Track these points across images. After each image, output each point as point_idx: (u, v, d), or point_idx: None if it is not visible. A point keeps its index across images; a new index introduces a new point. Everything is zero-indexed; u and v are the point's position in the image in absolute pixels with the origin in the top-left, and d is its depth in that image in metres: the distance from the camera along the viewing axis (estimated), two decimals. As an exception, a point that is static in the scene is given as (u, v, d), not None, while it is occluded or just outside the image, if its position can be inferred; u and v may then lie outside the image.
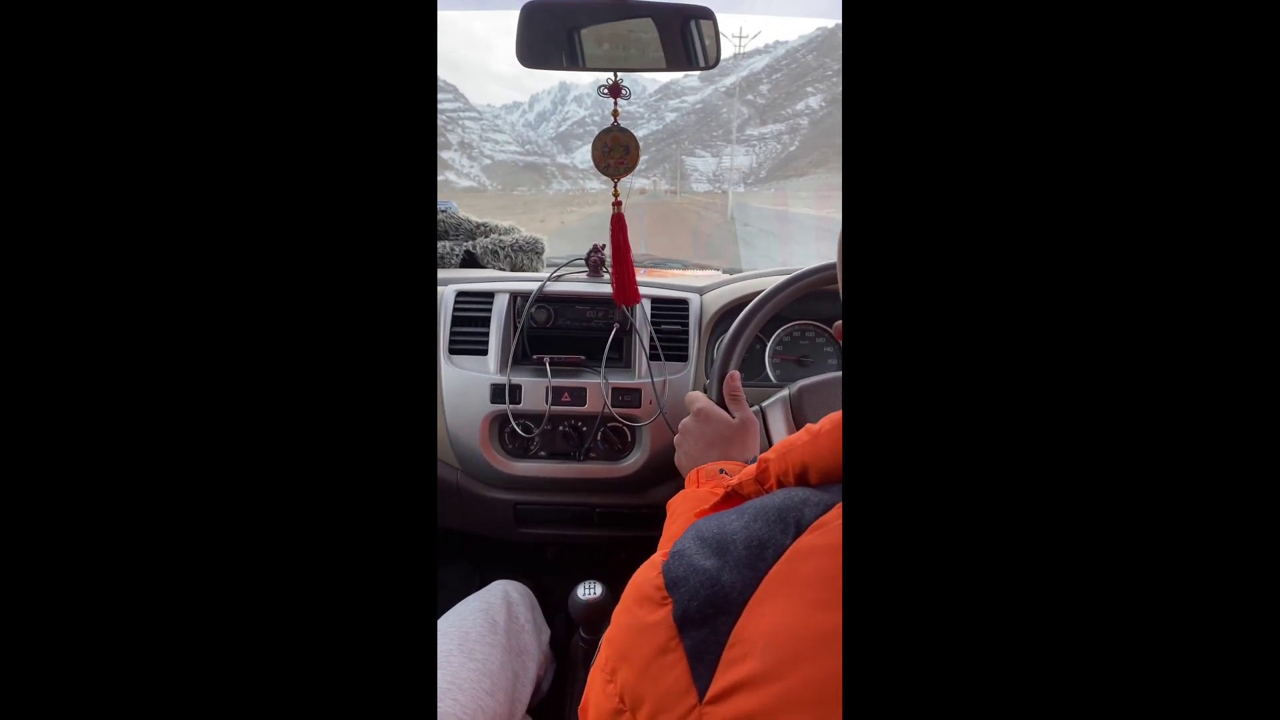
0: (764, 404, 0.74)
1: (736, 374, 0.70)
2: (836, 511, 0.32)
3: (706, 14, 0.67)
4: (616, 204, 0.71)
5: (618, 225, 0.71)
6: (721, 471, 0.55)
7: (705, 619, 0.32)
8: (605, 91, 0.68)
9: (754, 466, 0.41)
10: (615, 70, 0.67)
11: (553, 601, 0.95)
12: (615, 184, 0.70)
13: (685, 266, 1.31)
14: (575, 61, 0.67)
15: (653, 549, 0.60)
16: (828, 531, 0.31)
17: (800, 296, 0.75)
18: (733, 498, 0.43)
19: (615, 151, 0.70)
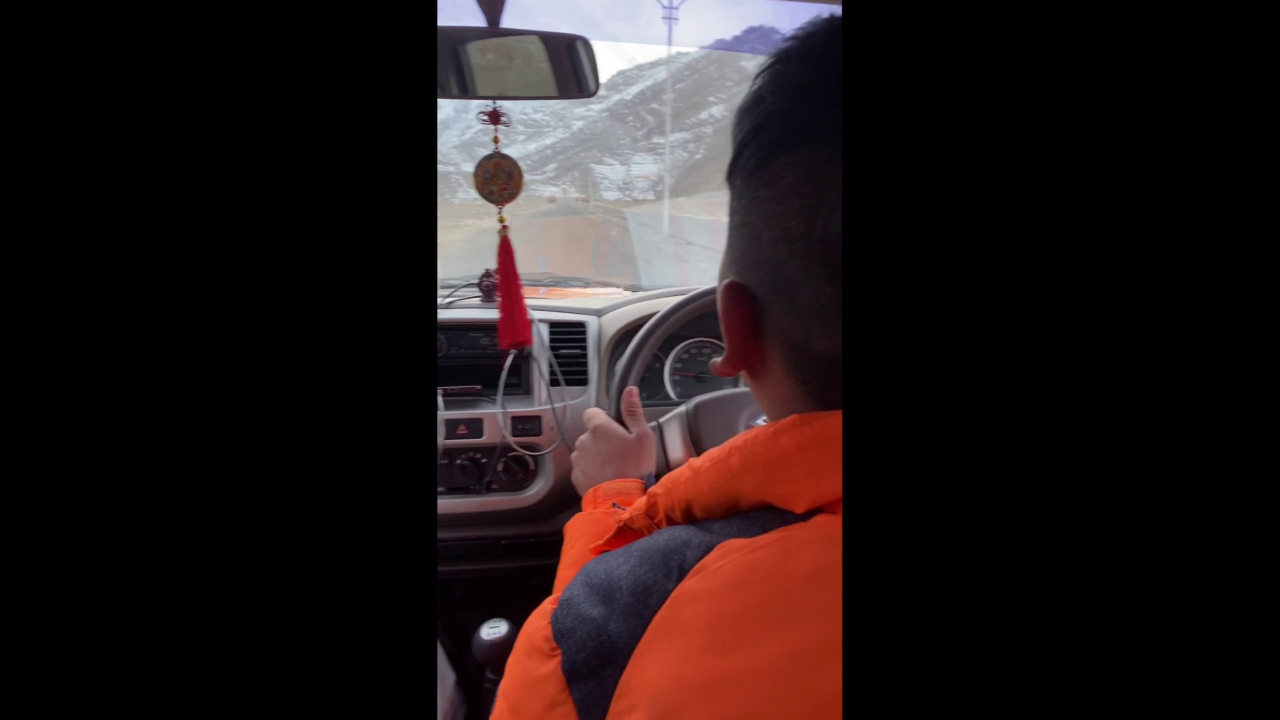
0: (662, 420, 0.74)
1: (634, 389, 0.70)
2: (717, 553, 0.32)
3: (584, 41, 0.67)
4: (503, 229, 0.69)
5: (504, 253, 0.69)
6: (615, 505, 0.55)
7: (593, 670, 0.32)
8: (485, 118, 0.66)
9: (644, 501, 0.41)
10: (499, 98, 0.66)
11: (464, 638, 0.91)
12: (500, 210, 0.68)
13: (587, 285, 1.31)
14: (464, 90, 0.66)
15: None
16: (708, 575, 0.31)
17: (697, 315, 0.76)
18: (625, 533, 0.43)
19: (498, 178, 0.68)
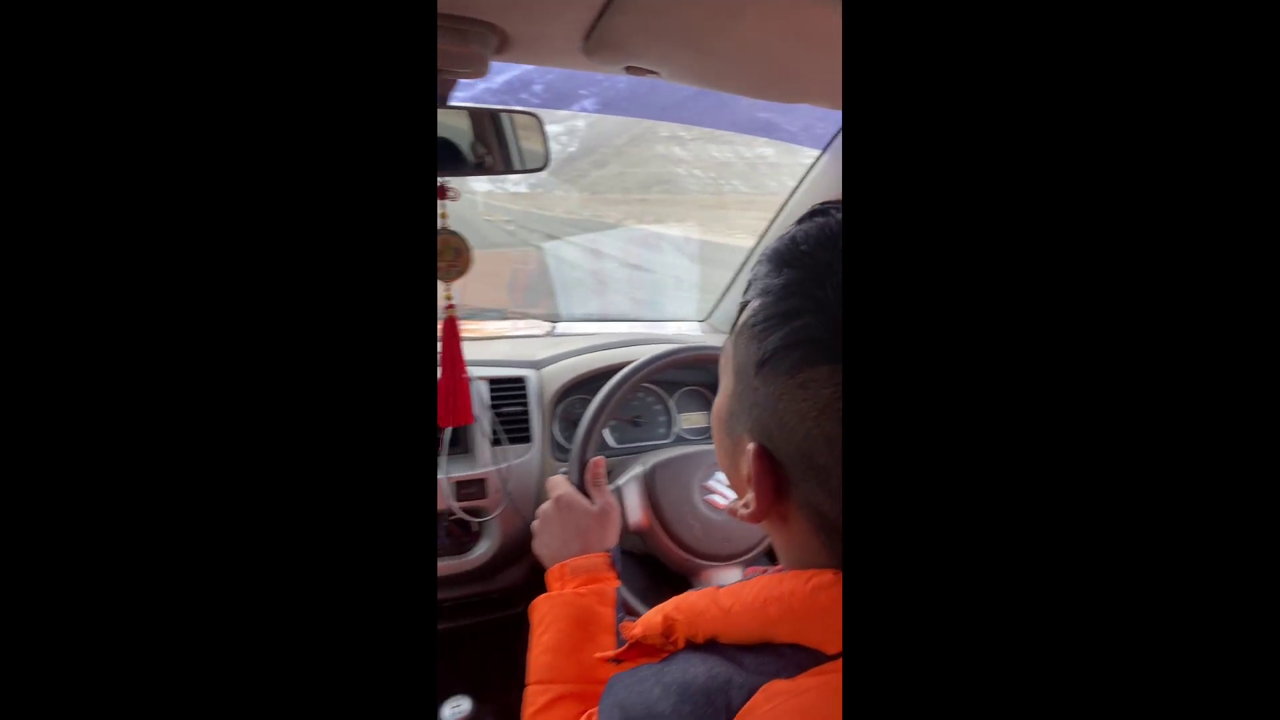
0: (619, 482, 0.76)
1: (601, 460, 0.70)
2: (761, 697, 0.32)
3: (533, 115, 0.67)
4: (449, 308, 0.68)
5: (449, 335, 0.68)
6: (623, 617, 0.56)
7: None
8: (431, 195, 0.64)
9: (660, 622, 0.41)
10: (452, 175, 0.64)
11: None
12: (449, 288, 0.67)
13: (504, 317, 1.30)
14: None
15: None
16: (756, 719, 0.32)
17: (648, 379, 0.79)
18: (638, 647, 0.43)
19: (446, 254, 0.66)
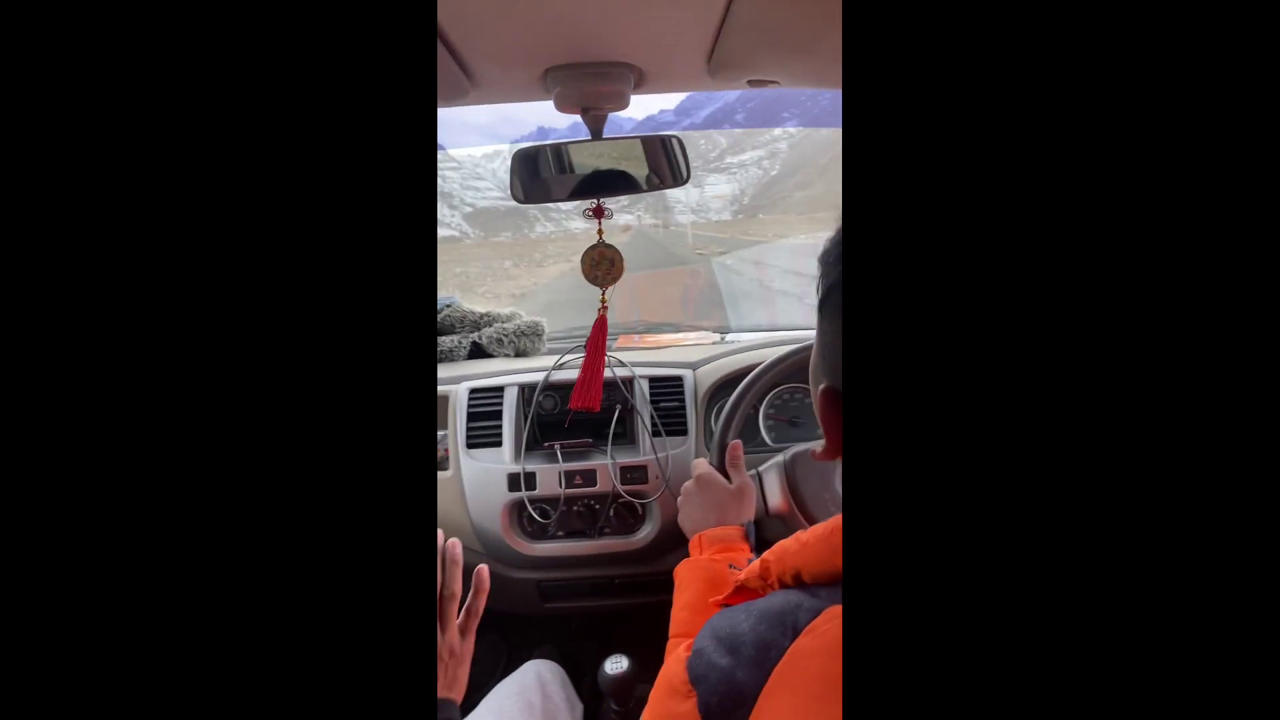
0: (760, 469, 0.81)
1: (739, 444, 0.77)
2: (825, 615, 0.37)
3: (678, 139, 0.76)
4: (603, 308, 0.79)
5: (598, 329, 0.79)
6: (732, 567, 0.62)
7: (725, 712, 0.39)
8: (590, 214, 0.76)
9: (758, 565, 0.47)
10: (603, 196, 0.76)
11: (579, 668, 1.00)
12: (604, 292, 0.78)
13: (678, 330, 1.39)
14: (567, 192, 0.76)
15: (667, 613, 0.67)
16: (818, 635, 0.37)
17: (790, 370, 0.82)
18: (742, 591, 0.50)
19: (602, 265, 0.78)
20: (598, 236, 0.77)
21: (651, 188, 0.76)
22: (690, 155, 0.78)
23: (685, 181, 0.76)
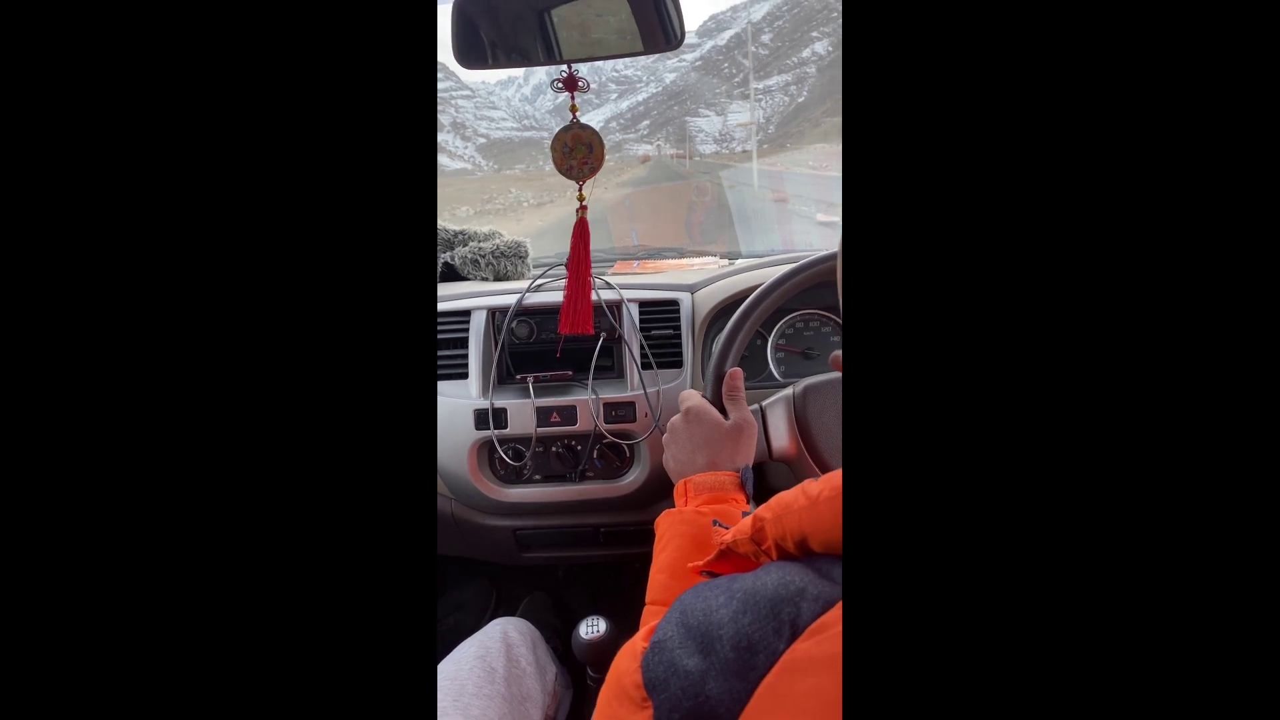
0: (764, 403, 0.67)
1: (739, 371, 0.63)
2: (838, 611, 0.26)
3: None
4: (581, 210, 0.64)
5: (579, 236, 0.64)
6: (716, 524, 0.50)
7: None
8: (560, 86, 0.61)
9: (749, 524, 0.36)
10: (586, 59, 0.60)
11: (574, 617, 0.90)
12: (580, 187, 0.63)
13: (681, 255, 1.25)
14: (550, 55, 0.61)
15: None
16: (827, 640, 0.25)
17: (808, 286, 0.68)
18: (729, 555, 0.38)
19: (577, 151, 0.63)
20: (571, 115, 0.62)
21: (640, 50, 0.60)
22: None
23: (678, 43, 0.60)
